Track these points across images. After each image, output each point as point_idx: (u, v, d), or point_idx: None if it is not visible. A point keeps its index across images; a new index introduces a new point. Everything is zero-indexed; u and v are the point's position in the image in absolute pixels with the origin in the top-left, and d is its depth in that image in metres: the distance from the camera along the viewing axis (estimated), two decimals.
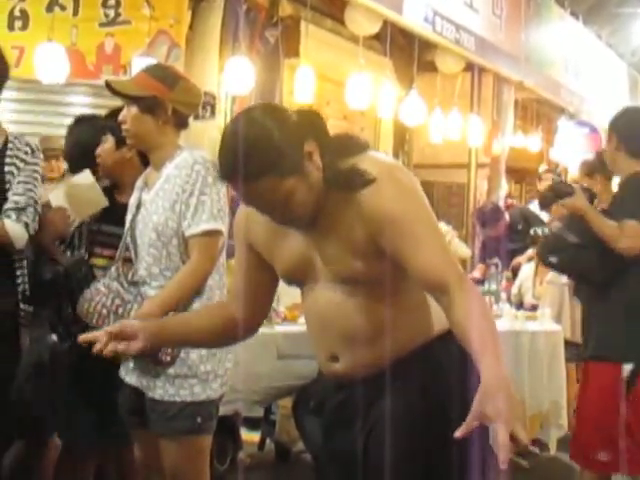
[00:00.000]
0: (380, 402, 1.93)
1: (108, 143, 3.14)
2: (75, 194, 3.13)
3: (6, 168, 2.93)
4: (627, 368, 3.37)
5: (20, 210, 2.90)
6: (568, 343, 5.16)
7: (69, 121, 3.66)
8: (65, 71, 5.21)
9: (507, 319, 5.08)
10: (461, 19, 7.40)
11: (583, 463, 3.57)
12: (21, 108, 5.68)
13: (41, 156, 3.07)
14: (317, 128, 1.87)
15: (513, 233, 7.05)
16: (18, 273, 3.01)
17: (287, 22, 6.47)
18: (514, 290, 6.20)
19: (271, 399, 4.32)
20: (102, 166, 3.17)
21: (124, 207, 2.91)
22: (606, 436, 3.39)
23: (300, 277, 2.00)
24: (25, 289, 3.02)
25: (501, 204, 8.33)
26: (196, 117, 4.19)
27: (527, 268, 6.21)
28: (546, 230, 3.97)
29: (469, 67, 8.22)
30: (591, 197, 3.98)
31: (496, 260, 6.45)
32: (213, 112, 5.72)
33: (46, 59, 5.17)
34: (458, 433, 1.55)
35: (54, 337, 3.00)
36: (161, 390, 2.70)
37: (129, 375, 2.80)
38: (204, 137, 5.24)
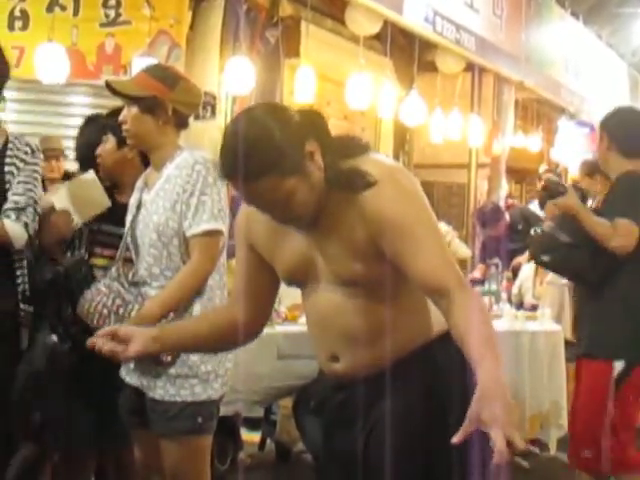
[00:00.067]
0: (380, 402, 1.93)
1: (109, 143, 3.12)
2: (79, 194, 3.12)
3: (6, 168, 2.93)
4: (618, 366, 3.38)
5: (20, 210, 2.90)
6: (568, 343, 5.15)
7: (69, 121, 3.67)
8: (65, 71, 5.22)
9: (507, 319, 5.08)
10: (461, 19, 7.40)
11: (574, 462, 3.57)
12: (21, 108, 5.68)
13: (41, 156, 3.07)
14: (318, 128, 1.87)
15: (513, 233, 7.04)
16: (18, 273, 3.01)
17: (287, 22, 6.47)
18: (514, 290, 6.20)
19: (271, 399, 4.32)
20: (102, 166, 3.14)
21: (124, 207, 2.90)
22: (593, 434, 3.40)
23: (301, 278, 2.00)
24: (25, 289, 3.02)
25: (501, 204, 8.33)
26: (196, 117, 4.20)
27: (527, 268, 6.21)
28: (539, 229, 3.95)
29: (469, 67, 8.23)
30: (583, 196, 3.97)
31: (496, 260, 6.45)
32: (213, 112, 5.73)
33: (46, 59, 5.18)
34: (455, 439, 1.55)
35: (54, 337, 2.99)
36: (162, 390, 2.70)
37: (130, 375, 2.80)
38: (204, 137, 5.24)
